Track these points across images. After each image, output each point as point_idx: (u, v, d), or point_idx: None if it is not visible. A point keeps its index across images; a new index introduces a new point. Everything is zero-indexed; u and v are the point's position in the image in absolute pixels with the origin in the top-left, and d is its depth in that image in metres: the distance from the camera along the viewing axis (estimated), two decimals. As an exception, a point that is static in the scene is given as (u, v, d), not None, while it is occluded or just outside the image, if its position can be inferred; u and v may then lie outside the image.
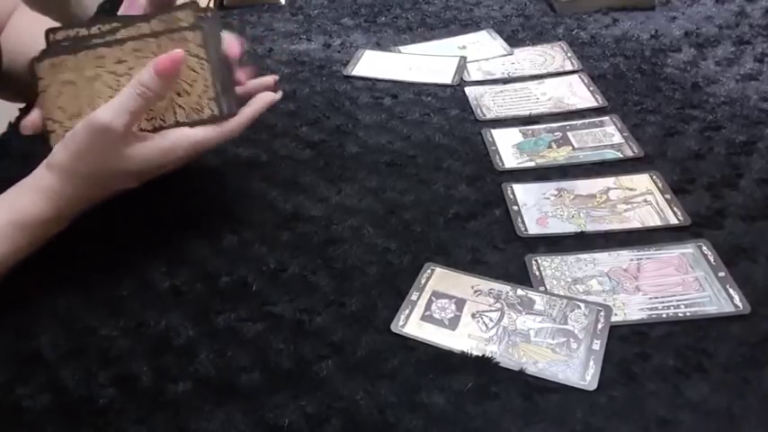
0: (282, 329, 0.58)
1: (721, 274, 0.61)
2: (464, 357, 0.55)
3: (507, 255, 0.65)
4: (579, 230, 0.67)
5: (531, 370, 0.54)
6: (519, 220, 0.69)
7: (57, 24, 0.84)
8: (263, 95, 0.67)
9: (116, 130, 0.58)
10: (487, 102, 0.89)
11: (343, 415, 0.51)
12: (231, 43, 0.67)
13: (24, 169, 0.62)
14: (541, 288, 0.61)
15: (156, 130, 0.62)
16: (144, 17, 0.63)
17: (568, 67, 0.96)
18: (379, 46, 1.05)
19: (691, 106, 0.85)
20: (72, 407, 0.52)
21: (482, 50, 1.02)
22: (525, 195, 0.72)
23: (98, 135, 0.58)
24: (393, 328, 0.58)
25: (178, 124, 0.62)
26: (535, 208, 0.70)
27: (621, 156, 0.77)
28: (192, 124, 0.62)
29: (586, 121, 0.84)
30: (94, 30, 0.64)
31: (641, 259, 0.63)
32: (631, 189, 0.72)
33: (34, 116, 0.65)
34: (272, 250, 0.66)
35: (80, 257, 0.63)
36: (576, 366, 0.54)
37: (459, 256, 0.65)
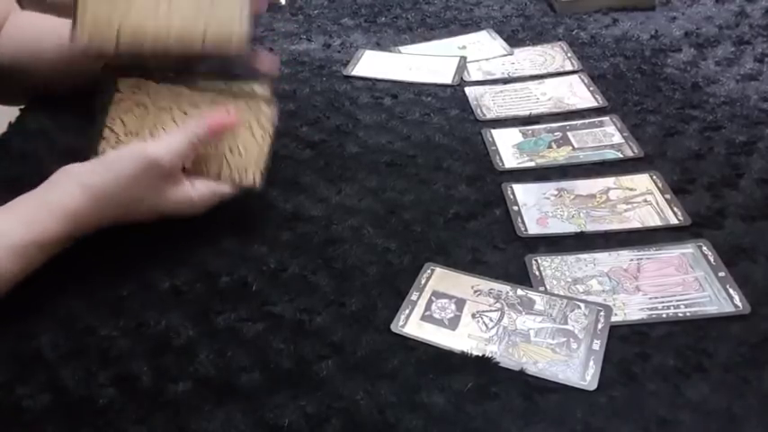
0: (282, 329, 0.58)
1: (721, 274, 0.61)
2: (464, 357, 0.55)
3: (507, 255, 0.65)
4: (579, 230, 0.67)
5: (532, 370, 0.54)
6: (519, 220, 0.69)
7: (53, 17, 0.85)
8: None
9: (164, 167, 0.61)
10: (487, 102, 0.89)
11: (343, 415, 0.51)
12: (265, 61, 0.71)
13: (24, 169, 0.62)
14: (541, 288, 0.61)
15: (195, 173, 0.65)
16: (225, 79, 0.69)
17: (568, 68, 0.96)
18: (379, 46, 1.05)
19: (691, 106, 0.85)
20: (72, 407, 0.52)
21: (482, 50, 1.02)
22: (525, 195, 0.72)
23: (145, 167, 0.61)
24: (393, 328, 0.58)
25: (218, 176, 0.66)
26: (535, 208, 0.70)
27: (621, 156, 0.77)
28: (232, 183, 0.66)
29: (586, 121, 0.84)
30: (188, 76, 0.69)
31: (641, 259, 0.63)
32: (631, 189, 0.72)
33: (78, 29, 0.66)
34: (272, 250, 0.66)
35: (80, 258, 0.63)
36: (576, 366, 0.54)
37: (459, 256, 0.65)
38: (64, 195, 0.59)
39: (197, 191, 0.64)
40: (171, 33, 0.66)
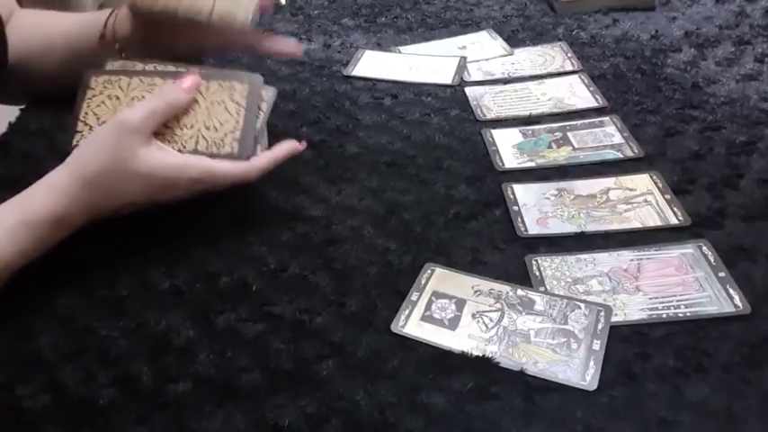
0: (282, 329, 0.58)
1: (721, 274, 0.61)
2: (464, 357, 0.55)
3: (507, 255, 0.65)
4: (579, 231, 0.67)
5: (532, 370, 0.54)
6: (519, 220, 0.69)
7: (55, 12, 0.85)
8: (287, 142, 0.69)
9: (132, 122, 0.61)
10: (487, 102, 0.89)
11: (344, 415, 0.51)
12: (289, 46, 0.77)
13: (24, 169, 0.62)
14: (541, 288, 0.61)
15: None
16: (202, 68, 0.70)
17: (568, 68, 0.96)
18: (379, 46, 1.05)
19: (691, 106, 0.85)
20: (72, 407, 0.52)
21: (482, 51, 1.02)
22: (525, 195, 0.72)
23: (114, 127, 0.62)
24: (393, 328, 0.58)
25: (196, 152, 0.65)
26: (535, 208, 0.70)
27: (621, 156, 0.77)
28: (210, 156, 0.65)
29: (586, 121, 0.84)
30: (151, 67, 0.70)
31: (641, 259, 0.63)
32: (631, 189, 0.72)
33: None
34: (272, 250, 0.66)
35: (80, 257, 0.63)
36: (577, 366, 0.54)
37: (459, 257, 0.65)
38: (51, 176, 0.61)
39: (183, 158, 0.64)
40: (182, 1, 0.70)
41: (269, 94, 0.69)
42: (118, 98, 0.67)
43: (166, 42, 0.74)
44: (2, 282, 0.58)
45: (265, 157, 0.66)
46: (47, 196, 0.60)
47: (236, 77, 0.68)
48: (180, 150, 0.65)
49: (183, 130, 0.65)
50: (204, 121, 0.66)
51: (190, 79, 0.66)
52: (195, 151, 0.65)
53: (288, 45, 0.79)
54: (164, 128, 0.65)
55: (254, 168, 0.65)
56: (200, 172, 0.63)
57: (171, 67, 0.70)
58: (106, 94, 0.68)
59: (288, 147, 0.68)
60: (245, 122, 0.66)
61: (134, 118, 0.62)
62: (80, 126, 0.67)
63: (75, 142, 0.66)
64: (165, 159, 0.63)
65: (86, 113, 0.67)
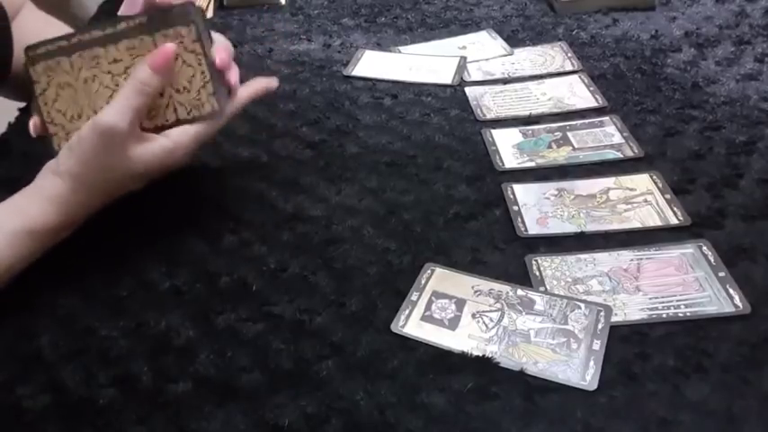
0: (282, 329, 0.58)
1: (721, 274, 0.61)
2: (464, 357, 0.55)
3: (507, 255, 0.65)
4: (579, 230, 0.67)
5: (532, 370, 0.54)
6: (519, 220, 0.69)
7: (61, 23, 0.85)
8: (260, 79, 0.68)
9: (122, 129, 0.59)
10: (487, 102, 0.89)
11: (344, 415, 0.51)
12: (220, 45, 0.66)
13: (24, 169, 0.62)
14: (541, 288, 0.61)
15: (158, 129, 0.63)
16: (138, 16, 0.63)
17: (568, 68, 0.96)
18: (379, 46, 1.05)
19: (691, 106, 0.85)
20: (72, 407, 0.52)
21: (482, 50, 1.02)
22: (525, 195, 0.72)
23: (104, 137, 0.59)
24: (393, 328, 0.58)
25: (179, 121, 0.63)
26: (535, 208, 0.70)
27: (621, 156, 0.77)
28: (193, 120, 0.63)
29: (586, 121, 0.84)
30: (89, 33, 0.63)
31: (641, 259, 0.63)
32: (631, 189, 0.72)
33: (36, 119, 0.65)
34: (272, 250, 0.66)
35: (80, 257, 0.63)
36: (577, 366, 0.54)
37: (459, 257, 0.65)
38: (45, 185, 0.60)
39: (169, 138, 0.62)
40: None
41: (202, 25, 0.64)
42: (70, 85, 0.63)
43: None
44: (2, 285, 0.58)
45: (241, 96, 0.66)
46: (45, 207, 0.59)
47: (176, 21, 0.62)
48: (163, 125, 0.62)
49: (155, 101, 0.62)
50: (172, 84, 0.63)
51: (158, 56, 0.61)
52: (177, 120, 0.63)
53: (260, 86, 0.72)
54: None
55: (234, 109, 0.65)
56: (188, 144, 0.63)
57: (109, 24, 0.63)
58: (55, 84, 0.63)
59: (259, 85, 0.68)
60: (210, 70, 0.62)
61: (121, 125, 0.59)
62: (51, 129, 0.64)
63: (56, 146, 0.63)
64: (154, 150, 0.61)
65: (48, 113, 0.64)
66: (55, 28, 0.82)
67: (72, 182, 0.60)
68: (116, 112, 0.59)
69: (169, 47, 0.61)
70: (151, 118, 0.63)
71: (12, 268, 0.58)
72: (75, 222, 0.61)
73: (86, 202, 0.61)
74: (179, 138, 0.62)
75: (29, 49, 0.64)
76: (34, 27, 0.82)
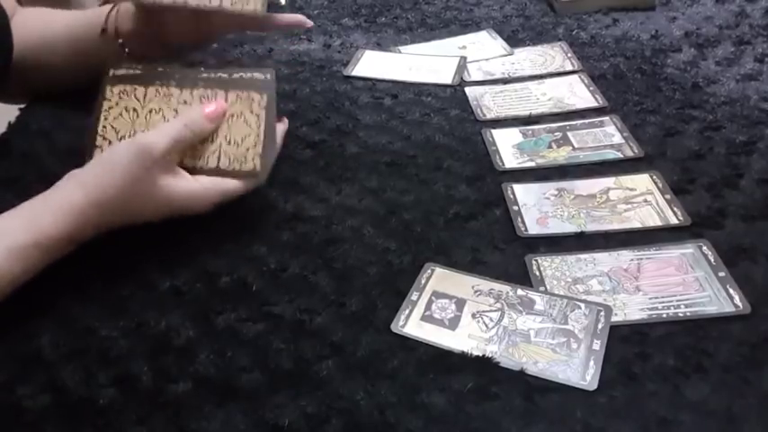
0: (282, 329, 0.58)
1: (721, 274, 0.61)
2: (464, 357, 0.55)
3: (507, 255, 0.65)
4: (579, 230, 0.67)
5: (532, 370, 0.54)
6: (519, 220, 0.69)
7: (59, 19, 0.84)
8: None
9: (157, 150, 0.60)
10: (487, 102, 0.89)
11: (344, 415, 0.51)
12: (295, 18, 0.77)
13: (24, 169, 0.62)
14: (541, 288, 0.61)
15: (195, 170, 0.65)
16: (221, 69, 0.69)
17: (568, 68, 0.96)
18: (379, 46, 1.05)
19: (691, 106, 0.85)
20: (72, 407, 0.52)
21: (482, 50, 1.02)
22: (525, 195, 0.72)
23: (137, 153, 0.60)
24: (393, 328, 0.58)
25: (218, 170, 0.65)
26: (535, 208, 0.70)
27: (621, 156, 0.77)
28: (232, 174, 0.65)
29: (586, 121, 0.84)
30: (171, 70, 0.69)
31: (641, 259, 0.63)
32: (631, 189, 0.72)
33: None
34: (272, 250, 0.66)
35: (80, 258, 0.63)
36: (577, 366, 0.54)
37: (459, 256, 0.65)
38: (63, 194, 0.60)
39: (200, 183, 0.64)
40: None
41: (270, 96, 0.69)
42: (135, 110, 0.67)
43: (170, 34, 0.74)
44: (5, 295, 0.57)
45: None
46: (61, 219, 0.58)
47: (252, 86, 0.67)
48: (202, 168, 0.65)
49: (204, 145, 0.65)
50: (225, 136, 0.66)
51: (215, 107, 0.66)
52: (217, 168, 0.65)
53: (293, 18, 0.78)
54: None
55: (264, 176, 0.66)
56: (216, 197, 0.64)
57: (185, 73, 0.69)
58: (123, 106, 0.67)
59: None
60: (266, 137, 0.66)
61: (158, 147, 0.60)
62: (99, 141, 0.67)
63: (95, 157, 0.65)
64: (184, 188, 0.63)
65: (104, 127, 0.67)
66: (55, 24, 0.82)
67: (93, 194, 0.60)
68: (156, 134, 0.62)
69: (225, 105, 0.66)
70: (194, 157, 0.65)
71: (16, 281, 0.57)
72: (84, 237, 0.60)
73: (99, 218, 0.60)
74: (210, 185, 0.64)
75: (112, 67, 0.69)
76: (36, 24, 0.82)
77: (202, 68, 0.70)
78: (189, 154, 0.65)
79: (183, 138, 0.63)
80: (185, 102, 0.67)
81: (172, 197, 0.62)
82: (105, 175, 0.60)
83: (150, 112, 0.67)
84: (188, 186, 0.63)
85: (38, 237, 0.58)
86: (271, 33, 1.10)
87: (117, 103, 0.67)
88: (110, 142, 0.66)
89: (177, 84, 0.68)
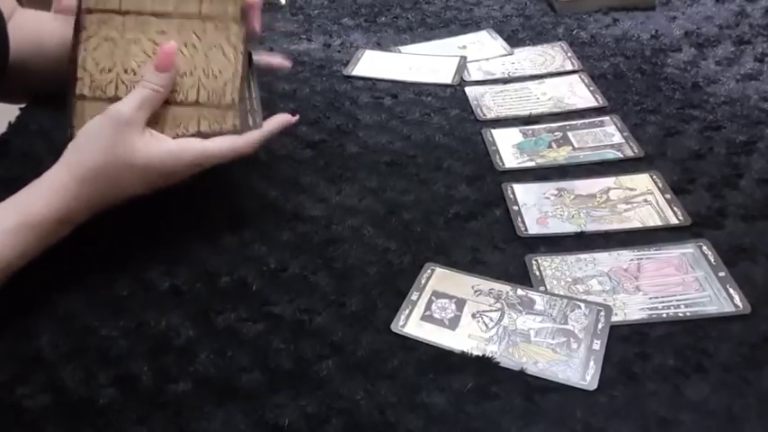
0: (282, 329, 0.58)
1: (721, 274, 0.61)
2: (464, 357, 0.55)
3: (507, 255, 0.65)
4: (579, 230, 0.67)
5: (532, 370, 0.54)
6: (519, 220, 0.69)
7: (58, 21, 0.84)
8: (279, 116, 0.68)
9: (125, 115, 0.61)
10: (487, 102, 0.89)
11: (344, 415, 0.51)
12: (276, 59, 0.75)
13: (24, 169, 0.62)
14: (541, 288, 0.61)
15: (177, 137, 0.64)
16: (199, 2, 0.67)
17: (568, 67, 0.96)
18: (379, 46, 1.05)
19: (691, 106, 0.85)
20: (72, 407, 0.52)
21: (482, 50, 1.02)
22: (525, 195, 0.72)
23: (108, 121, 0.61)
24: (393, 328, 0.58)
25: (199, 133, 0.65)
26: (535, 208, 0.70)
27: (621, 156, 0.77)
28: (213, 134, 0.64)
29: (586, 121, 0.84)
30: (148, 2, 0.67)
31: (641, 259, 0.63)
32: (631, 189, 0.72)
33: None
34: (272, 250, 0.66)
35: (80, 257, 0.63)
36: (577, 366, 0.54)
37: (459, 256, 0.65)
38: (48, 174, 0.61)
39: (178, 144, 0.63)
40: None
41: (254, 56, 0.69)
42: (113, 41, 0.66)
43: None
44: (3, 283, 0.58)
45: (258, 132, 0.66)
46: (46, 197, 0.60)
47: (231, 16, 0.66)
48: (183, 134, 0.64)
49: (182, 78, 0.65)
50: (203, 68, 0.65)
51: (160, 54, 0.64)
52: (198, 132, 0.65)
53: (274, 62, 0.77)
54: (162, 108, 0.64)
55: (247, 143, 0.65)
56: (196, 155, 0.63)
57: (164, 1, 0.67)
58: (102, 36, 0.66)
59: (281, 119, 0.68)
60: (243, 69, 0.65)
61: (126, 110, 0.61)
62: (80, 73, 0.66)
63: (77, 90, 0.66)
64: (160, 149, 0.62)
65: (84, 58, 0.66)
66: (53, 25, 0.82)
67: (73, 168, 0.60)
68: (123, 101, 0.62)
69: (171, 45, 0.64)
70: (174, 126, 0.65)
71: (11, 265, 0.58)
72: (74, 218, 0.61)
73: (86, 193, 0.61)
74: (188, 145, 0.63)
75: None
76: (32, 26, 0.82)
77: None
78: (169, 124, 0.64)
79: (147, 96, 0.63)
80: (163, 32, 0.66)
81: (151, 157, 0.62)
82: (83, 149, 0.61)
83: (129, 42, 0.66)
84: (164, 145, 0.63)
85: (27, 217, 0.58)
86: (270, 34, 1.10)
87: (96, 33, 0.67)
88: (90, 75, 0.66)
89: (154, 13, 0.67)
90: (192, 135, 0.64)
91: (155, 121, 0.64)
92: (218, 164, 0.65)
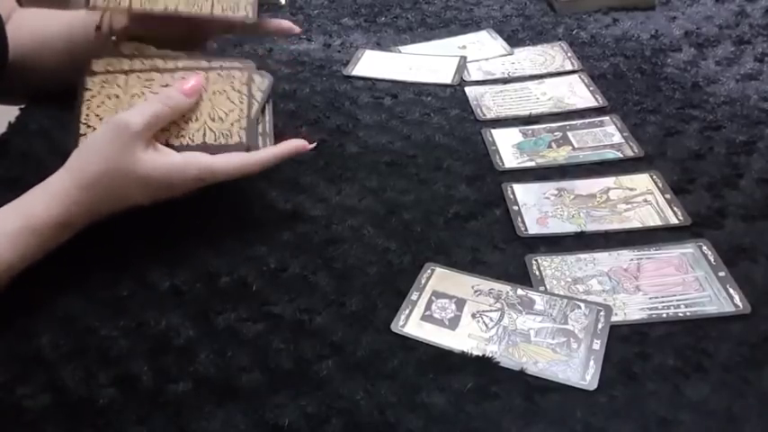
0: (282, 329, 0.58)
1: (721, 273, 0.61)
2: (464, 357, 0.55)
3: (507, 255, 0.65)
4: (579, 230, 0.67)
5: (532, 370, 0.54)
6: (519, 220, 0.69)
7: (57, 19, 0.84)
8: (293, 141, 0.68)
9: (134, 125, 0.61)
10: (487, 102, 0.89)
11: (344, 415, 0.51)
12: (285, 22, 0.77)
13: (24, 169, 0.62)
14: (541, 288, 0.61)
15: (182, 148, 0.65)
16: (203, 57, 0.70)
17: (568, 67, 0.96)
18: (379, 46, 1.05)
19: (691, 106, 0.85)
20: (72, 407, 0.52)
21: (482, 50, 1.02)
22: (525, 195, 0.72)
23: (115, 130, 0.61)
24: (393, 328, 0.58)
25: (205, 146, 0.65)
26: (535, 208, 0.70)
27: (621, 156, 0.77)
28: (219, 149, 0.65)
29: (586, 120, 0.84)
30: (151, 60, 0.70)
31: (641, 259, 0.63)
32: (631, 189, 0.72)
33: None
34: (272, 250, 0.66)
35: (80, 257, 0.63)
36: (577, 366, 0.54)
37: (459, 256, 0.65)
38: (51, 180, 0.61)
39: (182, 156, 0.63)
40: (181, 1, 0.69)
41: (265, 82, 0.70)
42: (118, 97, 0.67)
43: (164, 33, 0.74)
44: (3, 285, 0.58)
45: (268, 152, 0.66)
46: (48, 201, 0.60)
47: (233, 65, 0.69)
48: (188, 145, 0.65)
49: (188, 123, 0.66)
50: (209, 113, 0.66)
51: (192, 82, 0.66)
52: (204, 144, 0.65)
53: (284, 24, 0.79)
54: (168, 123, 0.65)
55: (256, 162, 0.65)
56: (200, 170, 0.63)
57: (169, 61, 0.69)
58: (105, 94, 0.68)
59: (293, 145, 0.67)
60: (250, 111, 0.67)
61: (136, 122, 0.61)
62: (83, 129, 0.66)
63: (80, 145, 0.65)
64: (164, 161, 0.62)
65: (87, 115, 0.67)
66: (52, 25, 0.82)
67: (76, 175, 0.60)
68: (133, 111, 0.62)
69: (202, 80, 0.67)
70: (179, 136, 0.65)
71: (12, 268, 0.58)
72: (75, 223, 0.61)
73: (87, 200, 0.61)
74: (194, 159, 0.63)
75: (93, 63, 0.69)
76: (32, 25, 0.82)
77: (185, 54, 0.70)
78: (174, 133, 0.65)
79: (160, 113, 0.63)
80: (167, 85, 0.68)
81: (154, 169, 0.62)
82: (87, 156, 0.61)
83: (133, 96, 0.67)
84: (169, 159, 0.63)
85: (28, 221, 0.58)
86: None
87: (99, 92, 0.68)
88: (93, 129, 0.66)
89: (159, 70, 0.69)
90: (197, 147, 0.65)
91: (160, 129, 0.64)
92: (225, 181, 0.64)
